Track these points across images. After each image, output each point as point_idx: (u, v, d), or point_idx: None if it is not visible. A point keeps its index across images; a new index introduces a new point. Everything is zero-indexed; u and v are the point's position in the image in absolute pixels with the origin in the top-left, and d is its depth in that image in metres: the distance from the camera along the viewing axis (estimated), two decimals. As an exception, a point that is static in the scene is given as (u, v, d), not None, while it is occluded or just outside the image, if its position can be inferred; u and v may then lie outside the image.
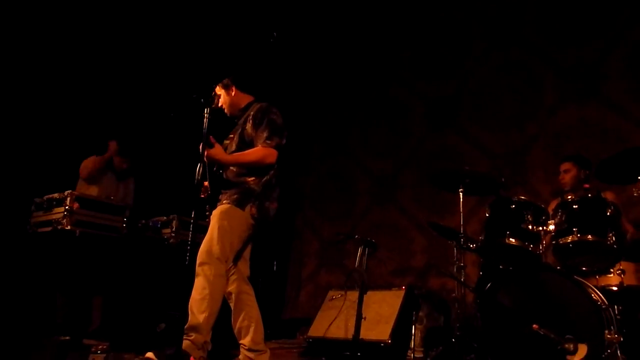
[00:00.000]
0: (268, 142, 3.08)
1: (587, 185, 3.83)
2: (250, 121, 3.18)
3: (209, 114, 2.74)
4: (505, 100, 5.45)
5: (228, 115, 3.40)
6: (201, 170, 2.73)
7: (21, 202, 4.29)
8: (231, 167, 3.20)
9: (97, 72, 5.49)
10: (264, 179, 3.13)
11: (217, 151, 2.96)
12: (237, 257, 3.15)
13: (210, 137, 2.86)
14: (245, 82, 3.38)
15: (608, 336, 2.66)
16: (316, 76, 7.08)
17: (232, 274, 3.14)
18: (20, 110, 4.85)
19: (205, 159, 2.83)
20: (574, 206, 3.10)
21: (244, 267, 3.22)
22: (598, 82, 4.91)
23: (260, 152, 3.08)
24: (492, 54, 5.65)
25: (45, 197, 4.12)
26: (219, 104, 3.37)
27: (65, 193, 4.01)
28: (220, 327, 3.01)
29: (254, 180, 3.11)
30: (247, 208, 3.06)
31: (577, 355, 2.69)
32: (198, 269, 2.98)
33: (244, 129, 3.20)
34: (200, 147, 2.92)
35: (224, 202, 3.11)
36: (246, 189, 3.10)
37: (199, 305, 2.89)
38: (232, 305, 3.14)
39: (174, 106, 3.09)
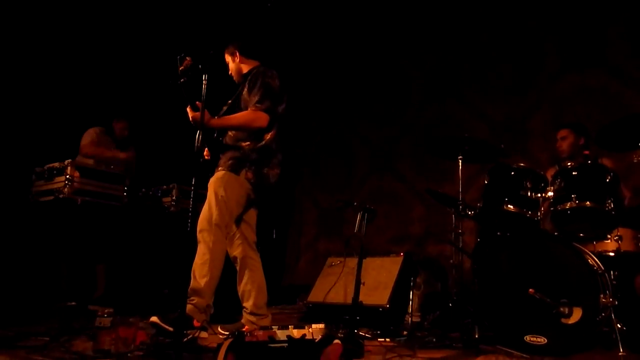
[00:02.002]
0: (258, 105, 3.06)
1: (587, 152, 3.83)
2: (247, 86, 3.17)
3: (206, 79, 2.71)
4: (505, 68, 5.40)
5: (236, 82, 3.39)
6: (201, 138, 2.73)
7: (22, 171, 4.30)
8: (229, 132, 3.20)
9: (96, 40, 5.43)
10: (260, 144, 3.13)
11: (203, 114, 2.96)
12: (238, 222, 3.19)
13: (197, 102, 2.85)
14: (248, 47, 3.35)
15: (603, 300, 2.71)
16: (315, 44, 7.00)
17: (237, 238, 3.18)
18: (18, 79, 4.81)
19: (192, 123, 2.82)
20: (573, 173, 3.11)
21: (249, 232, 3.25)
22: (600, 48, 4.85)
23: (248, 115, 3.07)
24: (493, 20, 5.57)
25: (46, 166, 4.12)
26: (230, 73, 3.36)
27: (66, 162, 4.02)
28: (224, 291, 3.07)
29: (249, 145, 3.12)
30: (242, 173, 3.08)
31: (571, 318, 2.75)
32: (199, 236, 3.03)
33: (241, 94, 3.21)
34: (188, 111, 2.93)
35: (219, 168, 3.14)
36: (241, 153, 3.11)
37: (200, 270, 2.95)
38: (237, 268, 3.20)
39: (172, 73, 3.07)
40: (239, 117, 3.10)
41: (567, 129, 4.07)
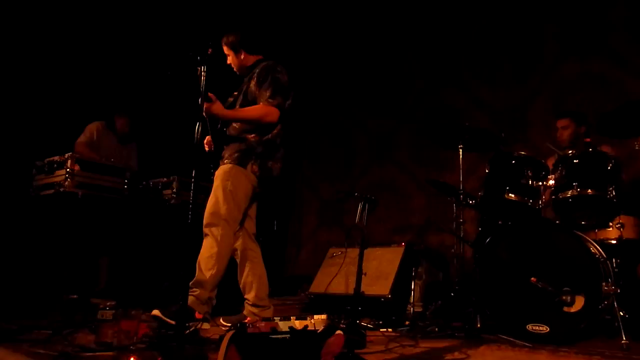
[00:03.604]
0: (270, 100, 3.06)
1: (588, 140, 3.81)
2: (255, 79, 3.15)
3: (206, 71, 2.69)
4: (505, 55, 5.37)
5: (238, 74, 3.37)
6: (200, 130, 2.71)
7: (22, 165, 4.29)
8: (233, 124, 3.19)
9: (95, 33, 5.40)
10: (266, 137, 3.13)
11: (216, 106, 2.94)
12: (243, 216, 3.19)
13: (209, 93, 2.84)
14: (253, 43, 3.32)
15: (605, 288, 2.71)
16: (315, 34, 6.96)
17: (238, 230, 3.19)
18: (18, 73, 4.79)
19: (204, 113, 2.81)
20: (574, 161, 3.10)
21: (250, 224, 3.26)
22: (601, 34, 4.81)
23: (260, 109, 3.06)
24: (492, 7, 5.53)
25: (46, 160, 4.11)
26: (227, 62, 3.34)
27: (66, 155, 4.00)
28: (225, 283, 3.07)
29: (254, 137, 3.12)
30: (249, 166, 3.08)
31: (574, 306, 2.75)
32: (206, 230, 3.02)
33: (248, 86, 3.19)
34: (200, 102, 2.91)
35: (225, 161, 3.12)
36: (247, 146, 3.10)
37: (207, 263, 2.96)
38: (238, 261, 3.20)
39: (171, 65, 3.04)
40: (251, 110, 3.08)
41: (568, 118, 4.04)
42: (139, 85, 5.59)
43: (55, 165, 4.04)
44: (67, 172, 3.93)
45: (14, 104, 4.73)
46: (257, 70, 3.20)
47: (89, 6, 5.28)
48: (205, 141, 3.28)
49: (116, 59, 5.55)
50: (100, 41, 5.44)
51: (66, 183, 3.92)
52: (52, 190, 3.99)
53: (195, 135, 2.65)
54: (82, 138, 4.68)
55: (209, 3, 5.84)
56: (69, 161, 3.96)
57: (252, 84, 3.16)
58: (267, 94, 3.07)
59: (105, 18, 5.45)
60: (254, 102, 3.12)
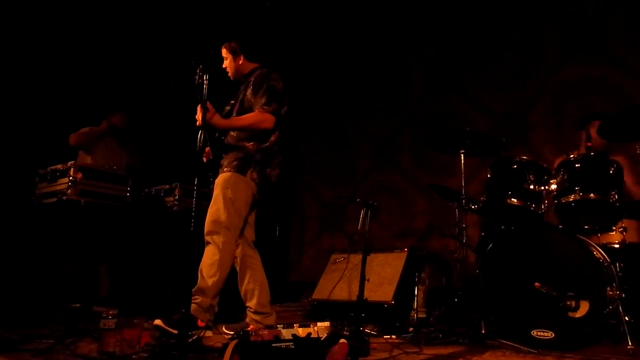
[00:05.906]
0: (265, 107, 3.08)
1: (589, 144, 3.79)
2: (251, 87, 3.17)
3: (208, 79, 2.69)
4: (506, 59, 5.38)
5: (232, 79, 3.38)
6: (203, 137, 2.72)
7: (25, 174, 4.30)
8: (231, 132, 3.20)
9: (98, 41, 5.42)
10: (264, 145, 3.14)
11: (212, 115, 2.94)
12: (243, 223, 3.19)
13: (207, 102, 2.84)
14: (253, 51, 3.34)
15: (610, 293, 2.70)
16: (315, 39, 6.98)
17: (237, 238, 3.18)
18: (21, 82, 4.80)
19: (200, 123, 2.81)
20: (576, 165, 3.09)
21: (249, 231, 3.27)
22: (600, 38, 4.82)
23: (256, 116, 3.08)
24: (492, 11, 5.54)
25: (49, 168, 4.12)
26: (223, 66, 3.35)
27: (69, 164, 4.02)
28: (227, 291, 3.06)
29: (253, 145, 3.13)
30: (248, 173, 3.09)
31: (578, 312, 2.73)
32: (207, 238, 3.02)
33: (244, 95, 3.21)
34: (198, 111, 2.91)
35: (225, 169, 3.13)
36: (245, 153, 3.11)
37: (209, 270, 2.95)
38: (237, 268, 3.20)
39: (174, 73, 3.06)
40: (246, 118, 3.10)
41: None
42: (141, 92, 5.61)
43: (58, 174, 4.05)
44: (69, 181, 3.95)
45: (16, 113, 4.74)
46: (253, 79, 3.21)
47: (90, 13, 5.31)
48: None
49: (119, 68, 5.57)
50: (103, 49, 5.46)
51: (69, 191, 3.93)
52: (55, 199, 4.00)
53: (198, 143, 2.66)
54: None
55: (209, 10, 5.86)
56: (72, 169, 3.97)
57: (248, 92, 3.18)
58: (262, 101, 3.09)
59: (108, 26, 5.48)
60: (251, 109, 3.13)
